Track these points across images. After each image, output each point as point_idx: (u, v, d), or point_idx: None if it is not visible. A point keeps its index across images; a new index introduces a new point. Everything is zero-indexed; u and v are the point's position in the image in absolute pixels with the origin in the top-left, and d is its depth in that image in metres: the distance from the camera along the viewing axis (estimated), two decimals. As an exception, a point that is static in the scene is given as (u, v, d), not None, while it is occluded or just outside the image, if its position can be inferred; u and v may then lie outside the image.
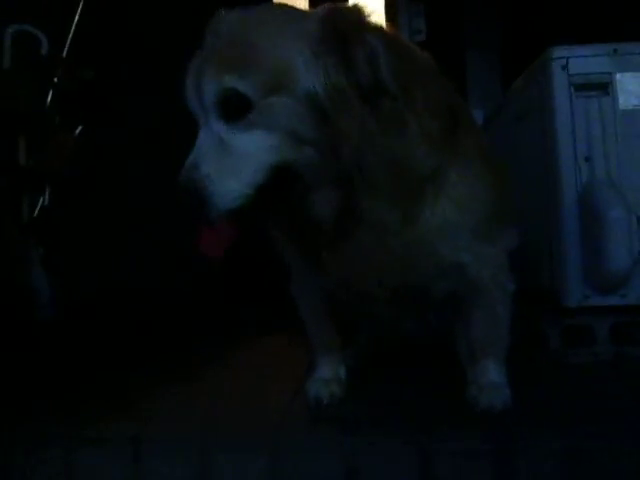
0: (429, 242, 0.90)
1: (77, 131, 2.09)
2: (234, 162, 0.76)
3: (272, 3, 0.95)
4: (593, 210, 1.25)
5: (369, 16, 0.80)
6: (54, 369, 1.45)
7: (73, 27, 2.13)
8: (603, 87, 1.27)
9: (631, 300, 1.25)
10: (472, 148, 0.94)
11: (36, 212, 2.01)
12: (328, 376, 1.10)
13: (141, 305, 2.06)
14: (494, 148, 1.08)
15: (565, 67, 1.28)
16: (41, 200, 2.03)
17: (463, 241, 0.93)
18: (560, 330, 1.34)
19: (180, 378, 1.30)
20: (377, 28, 0.80)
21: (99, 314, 1.92)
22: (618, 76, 1.26)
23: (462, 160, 0.90)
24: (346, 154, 0.78)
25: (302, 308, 1.12)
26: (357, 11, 0.80)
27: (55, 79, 2.08)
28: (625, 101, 1.26)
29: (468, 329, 1.03)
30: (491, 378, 1.02)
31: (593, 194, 1.26)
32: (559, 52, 1.29)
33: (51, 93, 2.06)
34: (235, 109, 0.76)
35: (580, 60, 1.28)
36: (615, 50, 1.27)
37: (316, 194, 0.82)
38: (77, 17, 2.15)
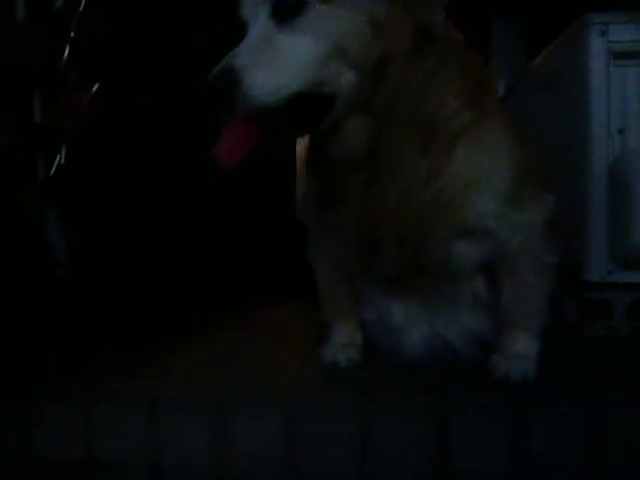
0: (452, 197, 0.87)
1: (94, 88, 2.05)
2: (276, 60, 0.76)
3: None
4: (622, 183, 1.21)
5: None
6: (70, 326, 1.46)
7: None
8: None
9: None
10: (499, 112, 0.94)
11: (52, 170, 1.99)
12: (345, 341, 1.09)
13: (155, 267, 2.08)
14: (516, 116, 1.04)
15: (605, 33, 1.22)
16: (57, 158, 2.01)
17: (490, 204, 0.90)
18: (578, 303, 1.32)
19: (194, 339, 1.31)
20: None
21: (115, 274, 1.93)
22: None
23: (491, 122, 0.90)
24: (389, 86, 0.79)
25: (318, 272, 1.10)
26: None
27: (71, 34, 2.04)
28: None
29: (499, 297, 1.01)
30: (516, 349, 1.00)
31: (623, 167, 1.22)
32: (599, 17, 1.23)
33: (67, 48, 2.01)
34: (289, 9, 0.76)
35: (620, 26, 1.22)
36: (657, 16, 1.21)
37: (347, 124, 0.82)
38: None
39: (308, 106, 0.79)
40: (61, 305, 1.62)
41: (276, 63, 0.76)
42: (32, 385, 1.02)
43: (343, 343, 1.09)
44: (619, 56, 1.24)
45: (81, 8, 2.08)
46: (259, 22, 0.79)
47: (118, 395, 0.98)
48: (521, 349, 1.01)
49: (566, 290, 1.33)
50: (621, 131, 1.24)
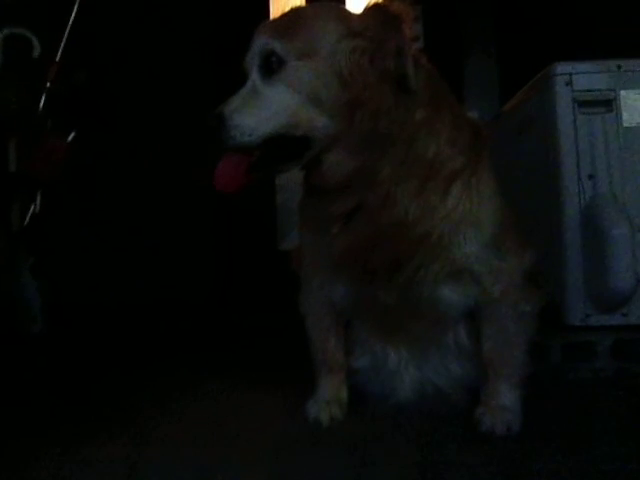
0: (444, 236, 0.93)
1: (70, 136, 2.04)
2: (257, 107, 0.90)
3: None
4: (596, 228, 1.24)
5: (407, 20, 0.89)
6: (45, 385, 1.40)
7: (67, 30, 2.09)
8: (607, 104, 1.27)
9: (633, 319, 1.24)
10: (488, 163, 0.99)
11: (27, 219, 1.96)
12: (329, 397, 1.08)
13: (134, 317, 2.03)
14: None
15: (569, 83, 1.28)
16: (32, 207, 1.98)
17: (477, 248, 0.95)
18: (561, 346, 1.33)
19: (175, 395, 1.27)
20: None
21: (91, 326, 1.88)
22: (622, 93, 1.26)
23: (482, 171, 0.97)
24: (360, 128, 0.89)
25: (309, 323, 1.11)
26: (401, 8, 0.90)
27: (47, 83, 2.04)
28: (629, 118, 1.26)
29: (481, 346, 1.02)
30: (500, 400, 1.01)
31: (596, 211, 1.25)
32: (563, 68, 1.29)
33: (43, 97, 2.01)
34: (271, 66, 0.90)
35: (584, 76, 1.28)
36: (619, 66, 1.27)
37: (327, 155, 0.92)
38: (71, 20, 2.11)
39: (286, 145, 0.91)
40: (34, 362, 1.56)
41: (257, 110, 0.90)
42: (4, 448, 0.97)
43: (327, 400, 1.07)
44: (584, 104, 1.29)
45: (58, 57, 2.09)
46: (252, 76, 0.93)
47: (94, 460, 0.94)
48: (504, 402, 1.01)
49: (549, 334, 1.35)
50: (591, 177, 1.28)
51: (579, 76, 1.28)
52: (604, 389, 1.23)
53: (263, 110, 0.89)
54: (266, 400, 1.21)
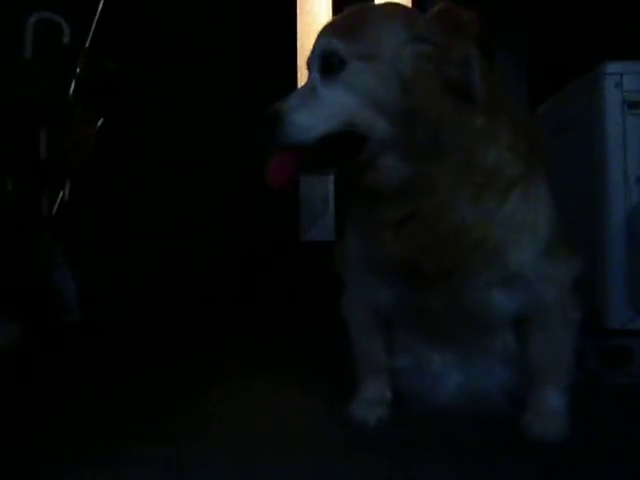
0: (500, 242, 0.92)
1: (99, 123, 2.03)
2: (317, 106, 0.89)
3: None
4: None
5: (476, 29, 0.87)
6: (82, 380, 1.40)
7: (97, 15, 2.07)
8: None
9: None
10: (543, 170, 0.98)
11: (55, 207, 1.96)
12: (375, 397, 1.08)
13: (160, 307, 2.03)
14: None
15: (619, 84, 1.25)
16: (61, 195, 1.98)
17: (532, 255, 0.94)
18: (599, 351, 1.32)
19: (212, 391, 1.27)
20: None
21: (120, 316, 1.88)
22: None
23: (538, 178, 0.96)
24: (419, 135, 0.87)
25: (352, 325, 1.10)
26: (472, 16, 0.88)
27: (77, 69, 2.02)
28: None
29: (528, 352, 1.02)
30: (548, 405, 1.00)
31: (641, 216, 1.24)
32: (613, 67, 1.26)
33: (73, 84, 2.00)
34: (331, 66, 0.89)
35: (635, 77, 1.25)
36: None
37: (383, 159, 0.90)
38: (101, 5, 2.09)
39: (341, 145, 0.90)
40: (71, 356, 1.56)
41: (315, 109, 0.89)
42: (42, 448, 0.97)
43: (373, 400, 1.07)
44: (634, 105, 1.26)
45: (87, 44, 2.08)
46: (312, 75, 0.93)
47: (134, 459, 0.93)
48: (554, 407, 1.00)
49: (587, 338, 1.34)
50: (639, 179, 1.26)
51: (630, 76, 1.25)
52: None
53: (321, 110, 0.89)
54: (304, 400, 1.20)
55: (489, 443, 0.96)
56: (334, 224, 2.71)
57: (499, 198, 0.91)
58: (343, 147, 0.90)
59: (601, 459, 0.89)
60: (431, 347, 1.06)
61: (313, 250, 2.73)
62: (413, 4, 2.42)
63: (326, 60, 0.90)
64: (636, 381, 1.29)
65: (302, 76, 2.49)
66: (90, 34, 2.06)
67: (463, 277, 0.94)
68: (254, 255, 2.65)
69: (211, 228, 2.54)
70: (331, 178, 2.67)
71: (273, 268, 2.60)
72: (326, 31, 0.93)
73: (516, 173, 0.92)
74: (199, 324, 2.07)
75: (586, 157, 1.35)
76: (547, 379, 1.02)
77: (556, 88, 1.60)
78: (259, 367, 1.47)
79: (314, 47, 0.93)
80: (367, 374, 1.10)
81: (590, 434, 0.99)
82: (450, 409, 1.05)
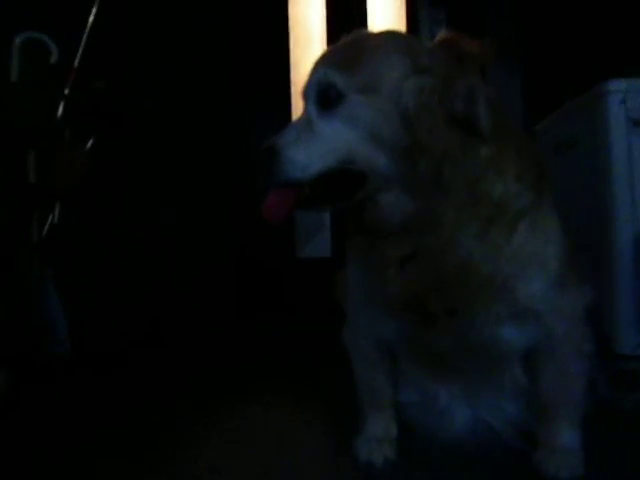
0: (509, 276, 0.87)
1: (88, 145, 1.98)
2: (314, 142, 0.85)
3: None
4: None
5: (481, 59, 0.83)
6: (75, 420, 1.33)
7: (85, 35, 2.03)
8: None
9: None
10: (551, 198, 0.94)
11: (45, 230, 1.90)
12: (381, 435, 1.03)
13: (153, 330, 1.98)
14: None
15: (623, 102, 1.22)
16: (50, 218, 1.92)
17: (542, 287, 0.90)
18: (609, 376, 1.28)
19: (211, 432, 1.20)
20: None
21: (114, 343, 1.82)
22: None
23: (547, 207, 0.92)
24: (422, 170, 0.82)
25: (356, 359, 1.06)
26: (474, 45, 0.83)
27: (66, 90, 1.98)
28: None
29: (539, 386, 0.97)
30: (562, 442, 0.96)
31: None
32: (616, 85, 1.23)
33: (62, 105, 1.95)
34: (329, 99, 0.85)
35: (638, 94, 1.22)
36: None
37: (384, 196, 0.86)
38: (89, 24, 2.04)
39: (339, 182, 0.86)
40: (63, 389, 1.50)
41: (311, 145, 0.85)
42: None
43: (379, 438, 1.02)
44: (639, 123, 1.23)
45: (76, 63, 2.03)
46: (308, 108, 0.88)
47: None
48: (567, 443, 0.96)
49: (597, 365, 1.30)
50: (645, 200, 1.23)
51: (633, 94, 1.23)
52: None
53: (318, 146, 0.85)
54: (307, 433, 1.15)
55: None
56: (330, 240, 2.67)
57: (507, 231, 0.87)
58: (342, 184, 0.86)
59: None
60: (438, 381, 1.02)
61: (310, 267, 2.70)
62: (407, 29, 2.39)
63: (323, 93, 0.85)
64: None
65: (295, 88, 2.47)
66: (79, 52, 2.02)
67: (471, 314, 0.90)
68: (250, 273, 2.61)
69: (205, 248, 2.50)
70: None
71: (270, 285, 2.56)
72: (323, 62, 0.88)
73: (525, 204, 0.87)
74: (194, 345, 2.02)
75: (590, 176, 1.32)
76: (559, 414, 0.97)
77: (553, 105, 1.58)
78: (255, 391, 1.42)
79: (310, 77, 0.89)
80: (372, 409, 1.05)
81: (605, 467, 0.94)
82: (458, 445, 1.01)
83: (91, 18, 2.06)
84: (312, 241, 2.69)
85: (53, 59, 1.98)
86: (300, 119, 0.89)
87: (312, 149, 0.85)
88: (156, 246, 2.30)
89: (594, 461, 0.93)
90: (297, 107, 2.20)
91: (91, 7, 2.06)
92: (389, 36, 0.90)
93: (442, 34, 0.85)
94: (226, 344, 2.05)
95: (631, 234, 1.21)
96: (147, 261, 2.28)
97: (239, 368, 1.71)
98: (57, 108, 1.93)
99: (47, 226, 1.91)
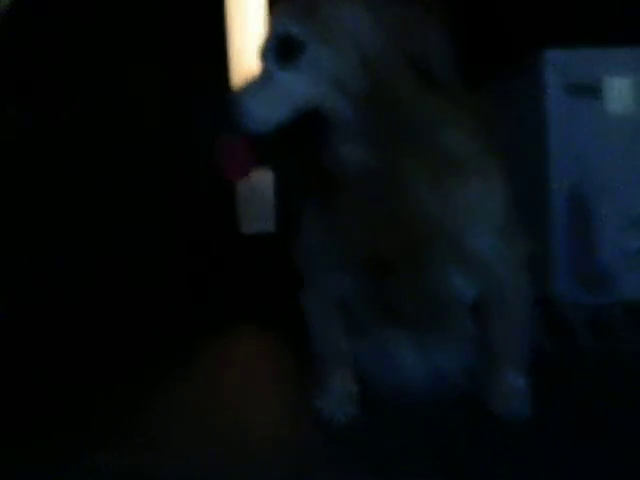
0: (460, 226, 0.92)
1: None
2: (275, 93, 0.86)
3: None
4: (582, 209, 1.29)
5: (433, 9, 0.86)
6: (19, 384, 1.26)
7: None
8: (593, 90, 1.30)
9: (616, 297, 1.30)
10: (497, 152, 0.98)
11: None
12: (342, 391, 1.05)
13: (87, 307, 1.88)
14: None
15: (558, 70, 1.30)
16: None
17: (491, 237, 0.95)
18: (545, 322, 1.38)
19: (167, 392, 1.18)
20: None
21: (50, 310, 1.70)
22: (607, 79, 1.30)
23: (494, 160, 0.96)
24: (381, 116, 0.85)
25: (313, 316, 1.08)
26: None
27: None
28: (614, 105, 1.30)
29: (488, 334, 1.03)
30: (509, 382, 1.02)
31: (582, 192, 1.30)
32: (553, 55, 1.30)
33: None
34: (288, 51, 0.84)
35: (573, 63, 1.30)
36: (606, 53, 1.30)
37: (344, 147, 0.88)
38: None
39: (301, 133, 0.87)
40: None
41: (272, 97, 0.86)
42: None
43: (340, 394, 1.04)
44: (573, 90, 1.31)
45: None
46: (267, 64, 0.88)
47: (93, 471, 0.86)
48: (515, 385, 1.02)
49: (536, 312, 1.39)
50: (578, 158, 1.32)
51: (568, 63, 1.31)
52: (586, 364, 1.28)
53: (279, 97, 0.86)
54: (263, 397, 1.16)
55: (460, 424, 0.96)
56: (275, 215, 2.65)
57: (459, 181, 0.91)
58: (304, 134, 0.87)
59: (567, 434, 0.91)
60: (392, 332, 1.06)
61: (255, 243, 2.66)
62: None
63: (283, 46, 0.86)
64: (580, 350, 1.36)
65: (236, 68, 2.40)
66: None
67: (424, 263, 0.94)
68: (191, 252, 2.54)
69: (140, 225, 2.40)
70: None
71: (212, 264, 2.51)
72: (280, 13, 0.88)
73: (475, 155, 0.92)
74: (136, 326, 1.95)
75: (525, 138, 1.39)
76: (507, 359, 1.04)
77: (488, 76, 1.63)
78: (208, 367, 1.39)
79: (268, 32, 0.89)
80: (331, 367, 1.07)
81: (548, 410, 0.99)
82: (415, 394, 1.05)
83: None
84: (258, 216, 2.66)
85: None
86: (260, 73, 0.89)
87: (273, 100, 0.85)
88: (89, 223, 2.19)
89: (537, 405, 0.98)
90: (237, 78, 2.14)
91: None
92: None
93: None
94: (170, 325, 1.99)
95: (566, 188, 1.30)
96: (82, 241, 2.17)
97: (188, 347, 1.64)
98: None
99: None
